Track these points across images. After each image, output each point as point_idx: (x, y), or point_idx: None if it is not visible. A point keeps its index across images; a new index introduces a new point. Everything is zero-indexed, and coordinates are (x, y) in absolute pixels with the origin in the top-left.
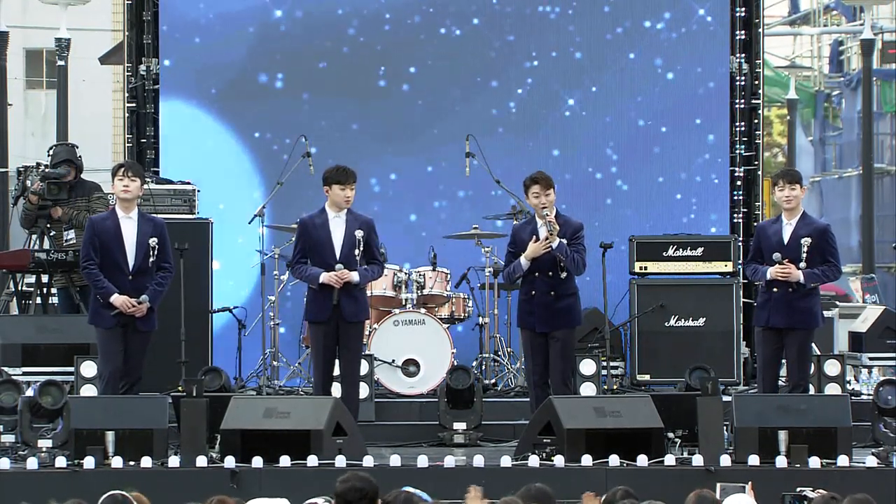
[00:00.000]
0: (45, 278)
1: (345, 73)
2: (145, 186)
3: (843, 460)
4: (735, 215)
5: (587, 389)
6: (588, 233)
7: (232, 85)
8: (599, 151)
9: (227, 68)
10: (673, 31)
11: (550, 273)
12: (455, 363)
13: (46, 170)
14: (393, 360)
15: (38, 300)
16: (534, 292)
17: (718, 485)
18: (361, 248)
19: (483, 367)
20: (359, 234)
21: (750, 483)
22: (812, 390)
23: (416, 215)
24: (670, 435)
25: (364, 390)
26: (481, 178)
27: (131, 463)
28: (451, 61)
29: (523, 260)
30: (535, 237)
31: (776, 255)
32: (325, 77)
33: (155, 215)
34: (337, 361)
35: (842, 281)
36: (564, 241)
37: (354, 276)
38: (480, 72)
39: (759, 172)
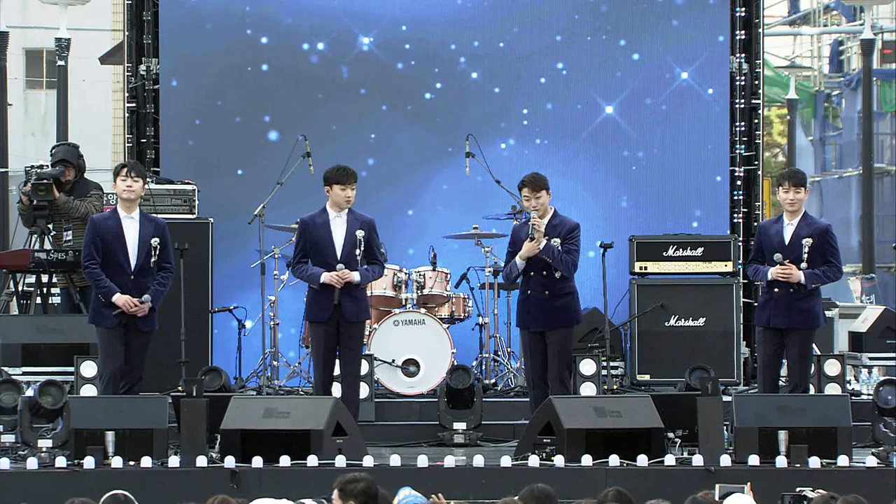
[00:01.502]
0: (45, 278)
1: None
2: (146, 186)
3: (843, 460)
4: (735, 215)
5: (587, 389)
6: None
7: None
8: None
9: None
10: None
11: (545, 272)
12: (455, 363)
13: (39, 170)
14: (393, 360)
15: (38, 300)
16: (530, 291)
17: (717, 486)
18: (362, 248)
19: (483, 367)
20: (360, 234)
21: (749, 483)
22: (812, 390)
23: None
24: (670, 435)
25: (364, 390)
26: (481, 179)
27: (131, 463)
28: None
29: (518, 260)
30: (531, 237)
31: (777, 256)
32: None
33: (156, 216)
34: (337, 361)
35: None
36: (557, 241)
37: (355, 276)
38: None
39: (759, 172)
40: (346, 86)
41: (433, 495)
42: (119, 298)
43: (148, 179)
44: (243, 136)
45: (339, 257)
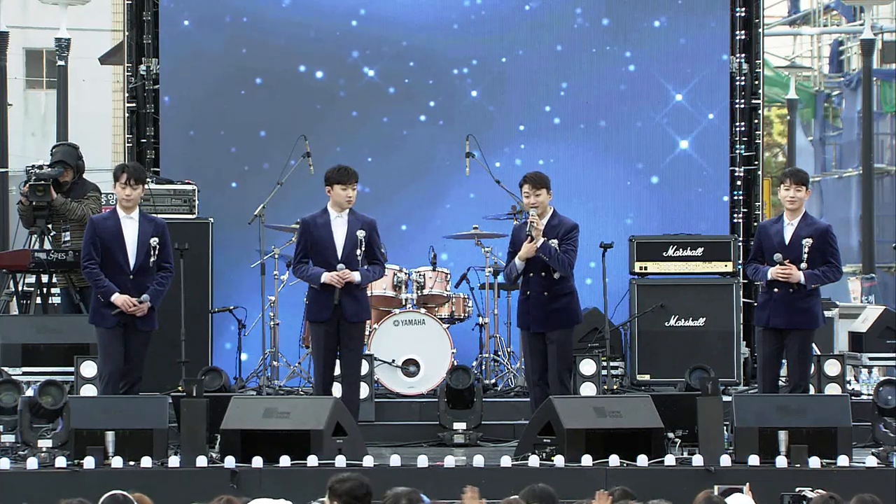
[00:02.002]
0: (45, 278)
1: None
2: (146, 187)
3: (843, 460)
4: (735, 215)
5: (587, 389)
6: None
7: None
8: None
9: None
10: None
11: (544, 273)
12: (455, 363)
13: (38, 171)
14: (393, 360)
15: (38, 300)
16: (529, 292)
17: (717, 487)
18: (363, 249)
19: (483, 367)
20: (360, 234)
21: (748, 484)
22: (812, 390)
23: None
24: (670, 435)
25: (364, 390)
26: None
27: (131, 463)
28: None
29: (517, 260)
30: (529, 237)
31: (777, 256)
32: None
33: (156, 215)
34: (338, 361)
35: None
36: (554, 241)
37: (356, 277)
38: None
39: (759, 172)
40: (343, 103)
41: (467, 487)
42: (118, 298)
43: (148, 179)
44: (238, 154)
45: (339, 257)
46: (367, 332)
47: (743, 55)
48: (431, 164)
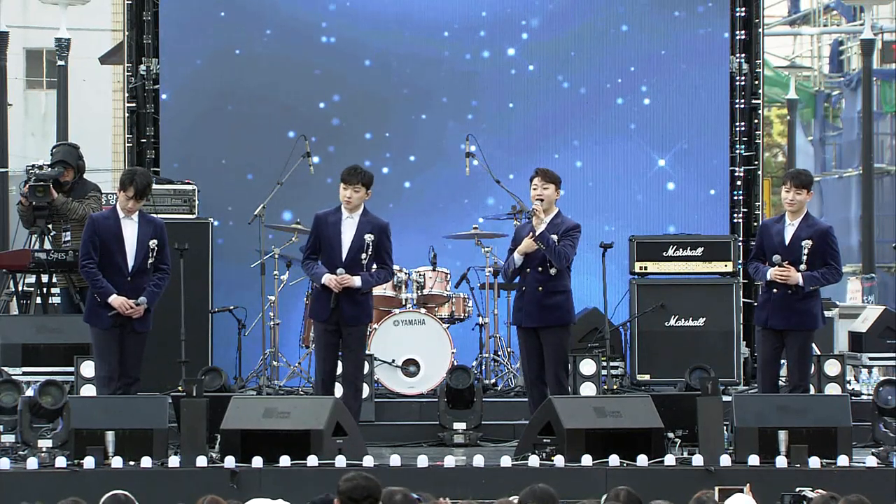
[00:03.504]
0: (45, 278)
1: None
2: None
3: (843, 460)
4: (735, 215)
5: (587, 389)
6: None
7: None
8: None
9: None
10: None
11: (540, 268)
12: (455, 363)
13: (38, 171)
14: (393, 360)
15: (38, 300)
16: (525, 288)
17: (717, 489)
18: (370, 253)
19: (483, 367)
20: (368, 237)
21: (748, 485)
22: (812, 390)
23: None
24: (670, 435)
25: (364, 390)
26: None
27: (131, 463)
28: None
29: (516, 255)
30: (531, 233)
31: (776, 257)
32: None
33: (155, 216)
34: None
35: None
36: (554, 236)
37: (356, 281)
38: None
39: (759, 172)
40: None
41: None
42: (115, 300)
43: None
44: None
45: (343, 259)
46: (367, 333)
47: (743, 55)
48: (433, 162)
